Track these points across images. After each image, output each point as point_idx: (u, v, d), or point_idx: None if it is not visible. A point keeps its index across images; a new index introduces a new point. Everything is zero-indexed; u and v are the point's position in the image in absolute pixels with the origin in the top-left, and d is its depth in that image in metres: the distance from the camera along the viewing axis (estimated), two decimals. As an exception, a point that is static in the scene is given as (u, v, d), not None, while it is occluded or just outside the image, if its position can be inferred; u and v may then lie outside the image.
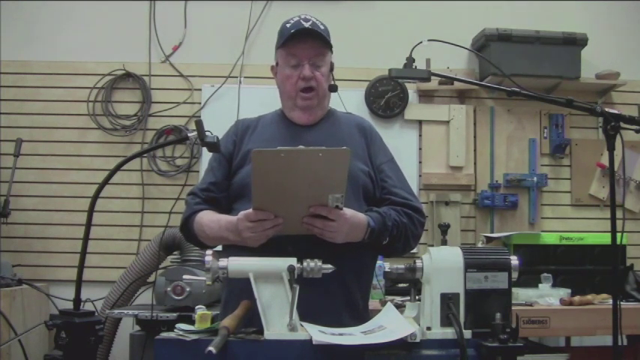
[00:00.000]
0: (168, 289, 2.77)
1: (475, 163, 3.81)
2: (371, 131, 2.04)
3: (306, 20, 1.92)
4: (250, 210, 1.66)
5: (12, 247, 3.56)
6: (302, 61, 1.90)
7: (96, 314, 1.59)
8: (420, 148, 3.77)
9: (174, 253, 3.29)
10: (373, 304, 2.00)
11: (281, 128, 1.99)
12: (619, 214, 1.85)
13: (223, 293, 1.92)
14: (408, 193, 1.94)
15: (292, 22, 1.93)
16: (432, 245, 3.51)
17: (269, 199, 1.64)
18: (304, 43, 1.90)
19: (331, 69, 1.99)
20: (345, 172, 1.59)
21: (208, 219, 1.86)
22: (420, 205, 1.95)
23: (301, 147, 1.66)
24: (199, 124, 1.73)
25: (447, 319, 1.43)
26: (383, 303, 2.49)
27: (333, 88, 1.99)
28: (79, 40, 3.75)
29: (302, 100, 1.93)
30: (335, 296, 1.78)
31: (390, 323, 1.51)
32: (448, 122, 3.78)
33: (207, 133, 1.75)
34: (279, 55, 1.96)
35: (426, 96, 3.82)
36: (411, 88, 3.77)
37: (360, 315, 1.80)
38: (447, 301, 1.44)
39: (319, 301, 1.67)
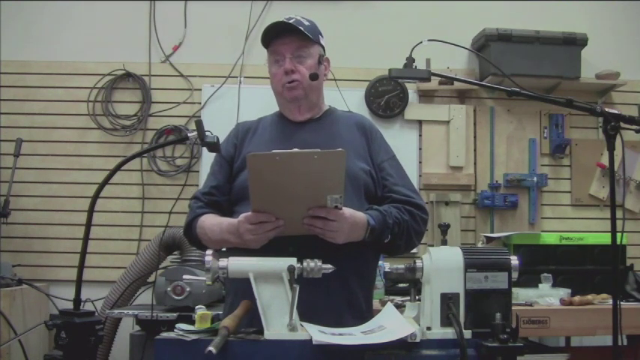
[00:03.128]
0: (168, 289, 2.77)
1: (475, 163, 3.81)
2: (371, 129, 2.03)
3: (289, 18, 1.93)
4: (250, 212, 1.66)
5: (12, 247, 3.56)
6: (283, 55, 1.91)
7: (96, 314, 1.59)
8: (420, 148, 3.77)
9: (174, 253, 3.29)
10: (373, 304, 2.00)
11: (279, 129, 1.99)
12: (619, 214, 1.85)
13: (228, 293, 1.92)
14: (409, 190, 1.93)
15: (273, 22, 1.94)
16: (432, 245, 3.51)
17: (267, 202, 1.63)
18: (284, 38, 1.91)
19: (320, 62, 1.95)
20: (341, 173, 1.58)
21: (210, 222, 1.87)
22: (422, 202, 1.94)
23: (296, 150, 1.65)
24: (199, 124, 1.74)
25: (447, 319, 1.42)
26: (383, 303, 2.49)
27: (313, 77, 1.92)
28: (79, 40, 3.75)
29: (287, 91, 1.93)
30: (337, 296, 1.78)
31: (390, 323, 1.51)
32: (448, 122, 3.78)
33: (207, 133, 1.76)
34: (267, 56, 1.98)
35: (426, 96, 3.82)
36: (411, 88, 3.77)
37: (363, 315, 1.79)
38: (447, 301, 1.43)
39: (321, 301, 1.67)
